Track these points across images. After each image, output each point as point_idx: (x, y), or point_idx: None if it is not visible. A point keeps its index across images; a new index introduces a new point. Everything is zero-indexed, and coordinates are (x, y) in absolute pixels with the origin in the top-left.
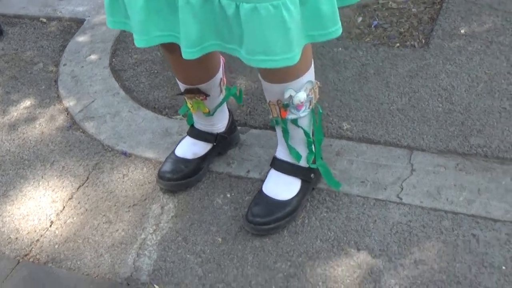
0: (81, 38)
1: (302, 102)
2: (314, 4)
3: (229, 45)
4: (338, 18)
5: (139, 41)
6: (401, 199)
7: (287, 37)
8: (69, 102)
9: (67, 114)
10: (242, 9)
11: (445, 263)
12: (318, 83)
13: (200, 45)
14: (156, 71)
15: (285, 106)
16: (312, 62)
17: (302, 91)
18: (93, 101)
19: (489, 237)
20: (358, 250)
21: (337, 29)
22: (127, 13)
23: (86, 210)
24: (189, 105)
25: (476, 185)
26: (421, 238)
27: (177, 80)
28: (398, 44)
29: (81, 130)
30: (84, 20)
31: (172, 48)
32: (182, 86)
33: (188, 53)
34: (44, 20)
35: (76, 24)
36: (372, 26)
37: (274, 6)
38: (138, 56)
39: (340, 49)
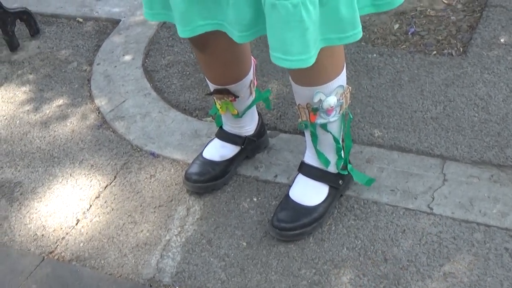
0: (115, 38)
1: (332, 107)
2: (334, 6)
3: None
4: (359, 21)
5: (183, 32)
6: (431, 209)
7: (304, 37)
8: (100, 102)
9: (98, 113)
10: (265, 3)
11: (476, 277)
12: (350, 88)
13: (253, 28)
14: (188, 72)
15: (315, 110)
16: (344, 67)
17: (332, 96)
18: (124, 101)
19: None
20: (386, 260)
21: (356, 33)
22: (165, 3)
23: (112, 209)
24: (218, 106)
25: (511, 197)
26: (451, 250)
27: (206, 80)
28: (435, 52)
29: (111, 129)
30: (120, 20)
31: (203, 46)
32: (211, 86)
33: (242, 37)
34: (81, 20)
35: (112, 24)
36: (409, 33)
37: (294, 5)
38: (171, 57)
39: (374, 55)
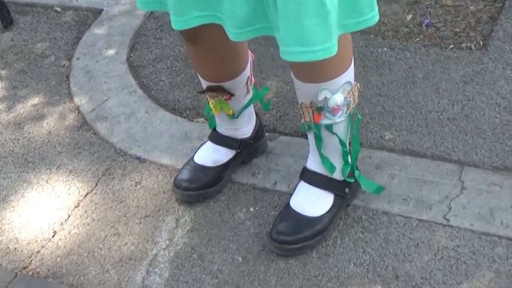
0: (97, 30)
1: (338, 106)
2: None
3: (276, 32)
4: (376, 2)
5: (176, 23)
6: (448, 220)
7: (326, 23)
8: (80, 100)
9: (78, 113)
10: None
11: None
12: (358, 85)
13: (249, 26)
14: (178, 68)
15: (319, 109)
16: (352, 61)
17: (339, 93)
18: (107, 100)
19: None
20: (397, 277)
21: (374, 16)
22: None
23: (93, 220)
24: (211, 105)
25: None
26: (470, 266)
27: (198, 76)
28: (452, 46)
29: (92, 131)
30: (102, 10)
31: (195, 39)
32: (204, 83)
33: (236, 34)
34: (59, 9)
35: (94, 14)
36: (423, 25)
37: None
38: (159, 51)
39: (385, 49)
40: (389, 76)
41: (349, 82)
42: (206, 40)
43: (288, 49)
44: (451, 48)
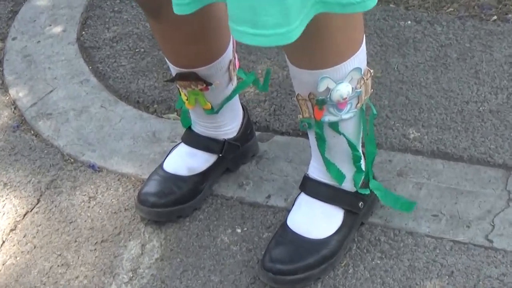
0: (39, 2)
1: (345, 99)
2: None
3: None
4: None
5: None
6: (491, 242)
7: (283, 1)
8: (17, 92)
9: (15, 108)
10: None
11: None
12: (372, 71)
13: None
14: (143, 49)
15: (320, 102)
16: (363, 41)
17: (345, 83)
18: (51, 91)
19: None
20: None
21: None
22: None
23: (35, 247)
24: (183, 98)
25: None
26: None
27: (167, 61)
28: (495, 17)
29: (32, 132)
30: None
31: (159, 12)
32: (173, 69)
33: (179, 5)
34: None
35: None
36: None
37: None
38: (118, 28)
39: (408, 22)
40: (415, 57)
41: (358, 69)
42: (170, 13)
43: (236, 26)
44: (494, 21)
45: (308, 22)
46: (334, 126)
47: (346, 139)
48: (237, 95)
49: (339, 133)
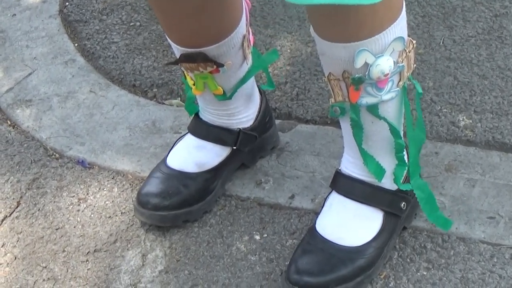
0: None
1: (386, 75)
2: None
3: None
4: None
5: None
6: None
7: None
8: None
9: None
10: None
11: None
12: (415, 43)
13: None
14: (138, 23)
15: (357, 81)
16: (404, 7)
17: (386, 56)
18: (30, 74)
19: None
20: None
21: None
22: None
23: (15, 257)
24: (190, 82)
25: None
26: None
27: (168, 40)
28: None
29: (9, 122)
30: None
31: None
32: (176, 50)
33: None
34: None
35: None
36: None
37: None
38: None
39: None
40: (464, 30)
41: (400, 38)
42: None
43: None
44: None
45: None
46: (373, 109)
47: (388, 124)
48: (253, 77)
49: (379, 117)
